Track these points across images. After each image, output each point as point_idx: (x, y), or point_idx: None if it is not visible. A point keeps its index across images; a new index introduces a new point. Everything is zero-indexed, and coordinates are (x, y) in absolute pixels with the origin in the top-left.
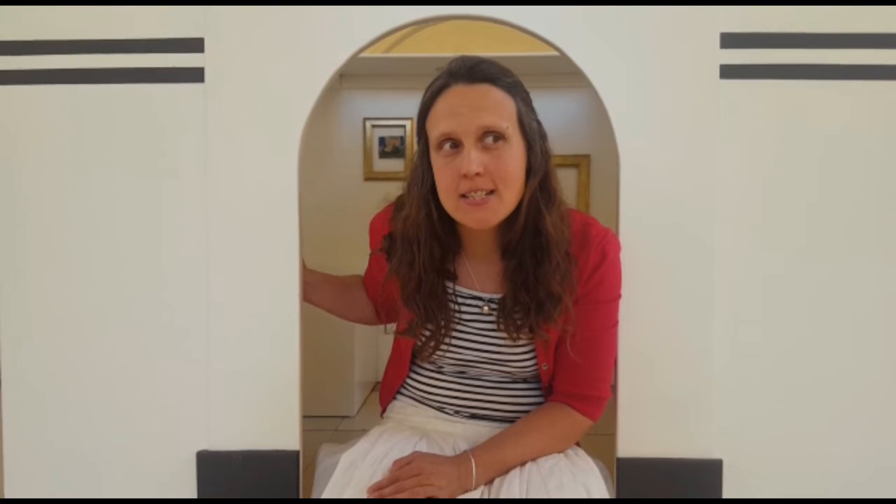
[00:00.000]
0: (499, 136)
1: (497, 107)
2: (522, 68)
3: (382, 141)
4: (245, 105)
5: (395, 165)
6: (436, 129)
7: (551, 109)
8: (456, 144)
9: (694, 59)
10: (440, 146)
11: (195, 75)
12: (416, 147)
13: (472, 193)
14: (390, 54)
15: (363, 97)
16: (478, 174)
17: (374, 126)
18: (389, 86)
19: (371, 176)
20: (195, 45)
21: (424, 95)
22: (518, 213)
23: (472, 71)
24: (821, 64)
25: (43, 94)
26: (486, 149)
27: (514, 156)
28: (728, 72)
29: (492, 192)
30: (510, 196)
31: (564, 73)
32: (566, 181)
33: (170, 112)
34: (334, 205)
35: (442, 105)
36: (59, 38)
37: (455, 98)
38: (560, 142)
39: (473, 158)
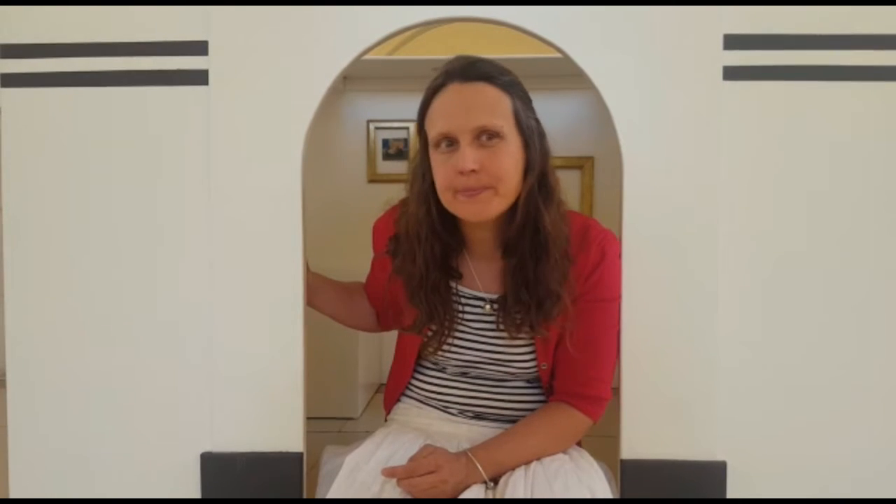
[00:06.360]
0: (494, 135)
1: (493, 105)
2: (526, 70)
3: (386, 143)
4: (248, 107)
5: (399, 168)
6: (433, 128)
7: (555, 111)
8: (452, 142)
9: (697, 61)
10: (437, 144)
11: (199, 78)
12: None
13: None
14: (394, 56)
15: (367, 99)
16: (473, 171)
17: (377, 128)
18: (393, 88)
19: (374, 178)
20: (199, 47)
21: (424, 95)
22: (516, 210)
23: (468, 69)
24: (825, 65)
25: (45, 97)
26: (482, 146)
27: (510, 153)
28: (731, 73)
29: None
30: (506, 190)
31: (568, 74)
32: (569, 183)
33: (173, 115)
34: (338, 207)
35: (438, 104)
36: (61, 41)
37: (451, 97)
38: (563, 143)
39: (468, 156)
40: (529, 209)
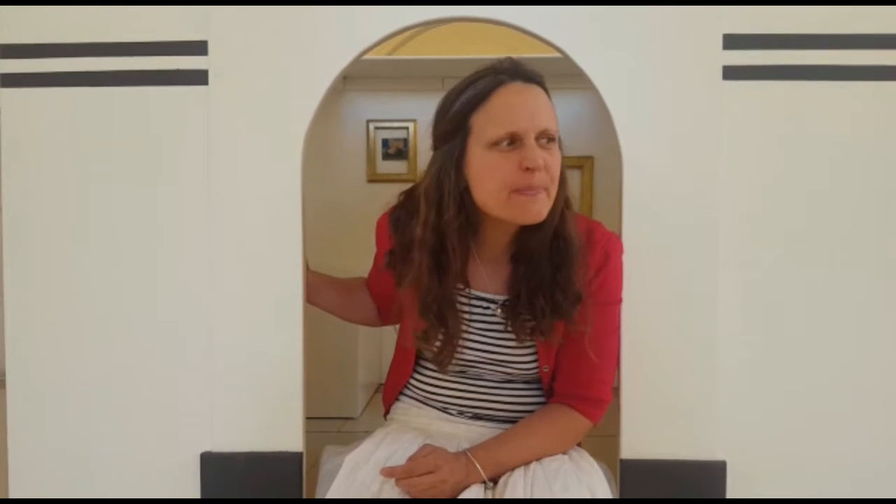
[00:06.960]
0: (552, 138)
1: (550, 109)
2: None
3: (386, 143)
4: (248, 107)
5: (399, 167)
6: (498, 126)
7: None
8: (513, 141)
9: (696, 61)
10: (497, 143)
11: (199, 78)
12: (431, 149)
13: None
14: (394, 56)
15: (366, 99)
16: (539, 169)
17: (377, 128)
18: (393, 88)
19: (374, 178)
20: (199, 47)
21: (466, 92)
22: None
23: (527, 71)
24: (824, 65)
25: (45, 97)
26: (541, 148)
27: (560, 158)
28: (731, 73)
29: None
30: (553, 194)
31: (568, 74)
32: (570, 183)
33: (173, 115)
34: (337, 207)
35: (501, 102)
36: (61, 41)
37: (516, 96)
38: (564, 143)
39: (539, 153)
40: (557, 215)
